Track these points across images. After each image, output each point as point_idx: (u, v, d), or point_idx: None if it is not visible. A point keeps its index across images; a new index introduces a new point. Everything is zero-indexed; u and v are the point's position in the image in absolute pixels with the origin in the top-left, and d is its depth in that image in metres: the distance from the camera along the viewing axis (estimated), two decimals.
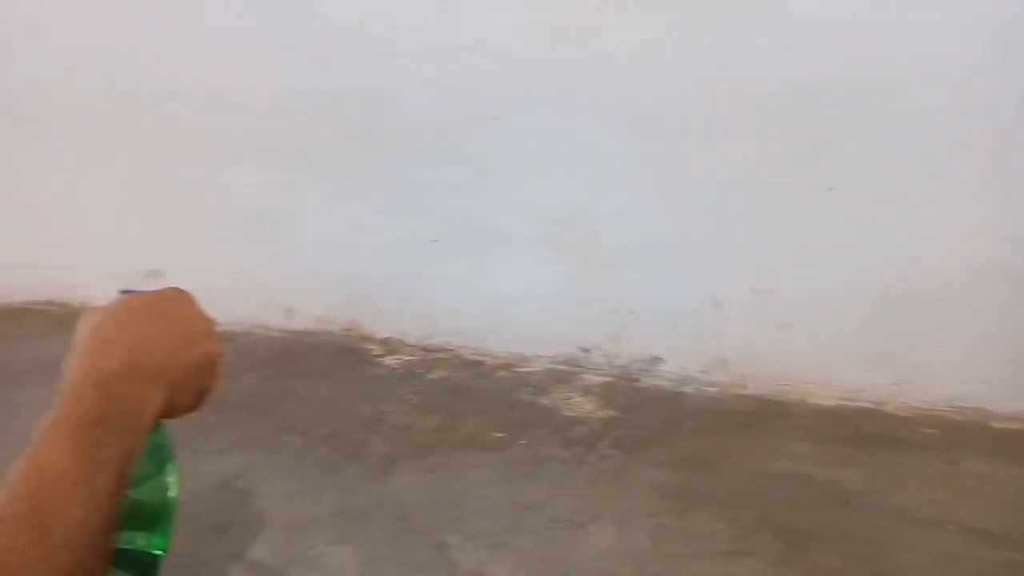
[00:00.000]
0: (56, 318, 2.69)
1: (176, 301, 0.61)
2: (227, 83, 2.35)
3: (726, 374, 2.00)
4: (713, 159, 1.88)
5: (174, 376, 0.56)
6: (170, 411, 0.58)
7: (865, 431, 1.75)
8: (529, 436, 1.76)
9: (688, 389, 2.00)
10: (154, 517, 0.61)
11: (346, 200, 2.32)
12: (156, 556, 0.61)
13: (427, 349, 2.31)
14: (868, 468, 1.59)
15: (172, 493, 0.63)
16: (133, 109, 2.49)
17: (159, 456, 0.62)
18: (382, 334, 2.38)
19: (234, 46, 2.31)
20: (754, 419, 1.83)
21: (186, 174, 2.49)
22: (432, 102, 2.12)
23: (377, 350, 2.33)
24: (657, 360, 2.07)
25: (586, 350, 2.15)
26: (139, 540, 0.60)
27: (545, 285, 2.16)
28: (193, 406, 0.61)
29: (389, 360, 2.26)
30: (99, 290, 2.67)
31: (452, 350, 2.29)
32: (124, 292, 0.61)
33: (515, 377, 2.12)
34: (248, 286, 2.51)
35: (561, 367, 2.17)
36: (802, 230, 1.84)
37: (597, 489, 1.54)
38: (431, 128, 2.14)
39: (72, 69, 2.52)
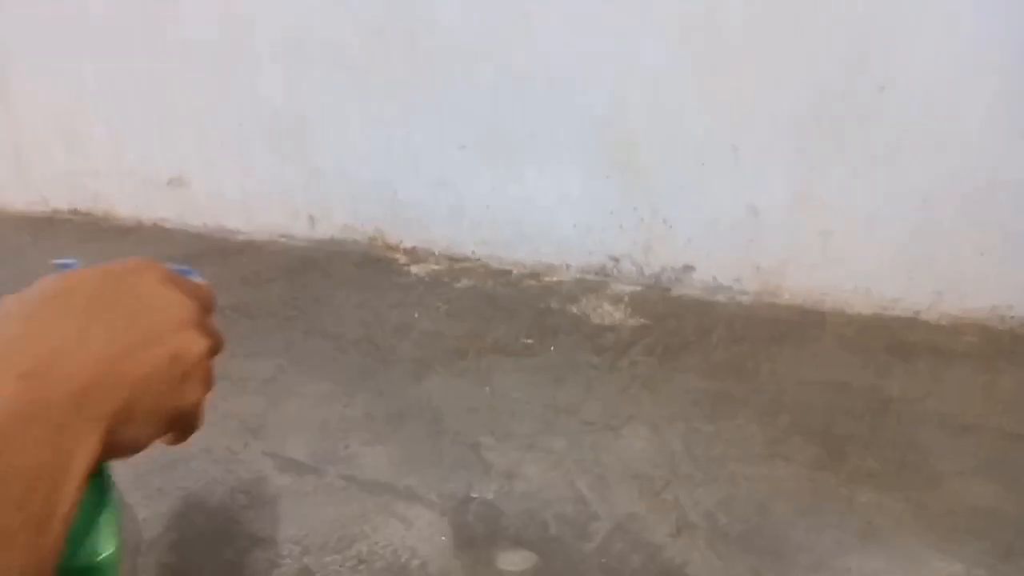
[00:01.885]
0: (81, 227, 2.69)
1: (134, 276, 0.38)
2: None
3: (760, 283, 1.96)
4: (758, 62, 1.78)
5: (121, 397, 0.34)
6: (115, 452, 0.35)
7: (904, 340, 1.72)
8: (559, 343, 1.75)
9: (721, 298, 1.97)
10: None
11: (371, 103, 2.24)
12: None
13: (453, 258, 2.28)
14: (907, 376, 1.57)
15: (105, 553, 0.39)
16: (157, 19, 2.41)
17: (90, 509, 0.39)
18: (408, 243, 2.35)
19: None
20: (789, 328, 1.80)
21: (210, 80, 2.42)
22: (464, 1, 2.02)
23: (403, 259, 2.31)
24: (689, 269, 2.03)
25: (616, 259, 2.11)
26: None
27: (575, 194, 2.10)
28: (158, 437, 0.38)
29: (415, 269, 2.23)
30: (122, 198, 2.66)
31: (479, 259, 2.26)
32: (59, 266, 0.38)
33: (543, 286, 2.10)
34: (272, 194, 2.48)
35: (590, 276, 2.13)
36: (850, 133, 1.75)
37: (629, 394, 1.52)
38: (461, 29, 2.05)
39: None
